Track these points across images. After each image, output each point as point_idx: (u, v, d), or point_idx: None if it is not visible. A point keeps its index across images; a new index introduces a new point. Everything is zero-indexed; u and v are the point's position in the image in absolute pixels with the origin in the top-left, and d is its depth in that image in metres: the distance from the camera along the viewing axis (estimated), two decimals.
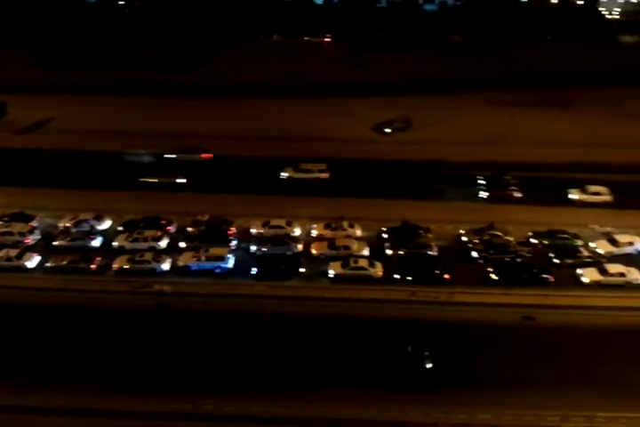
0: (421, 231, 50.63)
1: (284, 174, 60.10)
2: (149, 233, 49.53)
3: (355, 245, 48.92)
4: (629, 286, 45.11)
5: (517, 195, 56.15)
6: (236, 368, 38.37)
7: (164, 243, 49.44)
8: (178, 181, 58.38)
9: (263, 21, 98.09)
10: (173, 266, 47.13)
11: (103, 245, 49.80)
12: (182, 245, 49.59)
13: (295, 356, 39.22)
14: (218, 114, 71.85)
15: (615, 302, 43.58)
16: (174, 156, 62.49)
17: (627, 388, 36.51)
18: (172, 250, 48.79)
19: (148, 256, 46.96)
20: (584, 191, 56.25)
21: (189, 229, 51.28)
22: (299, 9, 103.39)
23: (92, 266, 46.82)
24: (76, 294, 44.19)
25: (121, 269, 46.70)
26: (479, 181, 58.19)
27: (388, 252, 48.88)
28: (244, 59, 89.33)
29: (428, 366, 38.07)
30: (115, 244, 49.44)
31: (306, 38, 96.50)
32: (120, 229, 51.49)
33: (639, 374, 37.54)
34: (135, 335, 40.65)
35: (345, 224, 51.20)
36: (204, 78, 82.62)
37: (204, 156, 62.72)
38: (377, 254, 48.44)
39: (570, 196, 56.18)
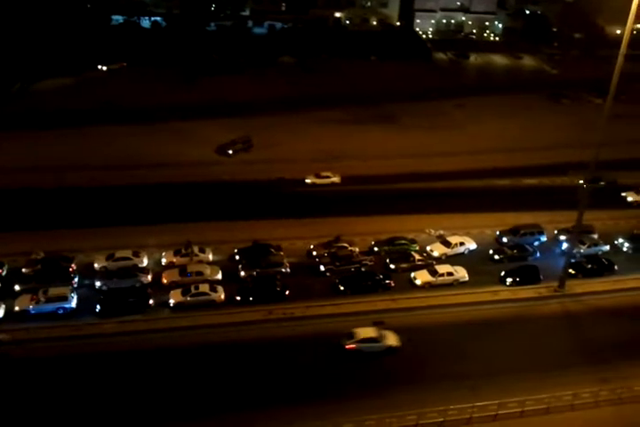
0: (273, 250, 51.18)
1: None
2: None
3: (207, 270, 48.29)
4: (457, 284, 49.01)
5: None
6: (92, 413, 36.31)
7: None
8: None
9: (89, 48, 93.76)
10: (9, 312, 43.47)
11: None
12: (17, 287, 45.92)
13: (158, 392, 37.94)
14: (52, 144, 67.45)
15: (446, 300, 47.16)
16: None
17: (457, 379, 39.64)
18: (5, 295, 45.03)
19: None
20: None
21: (24, 269, 47.62)
22: (125, 34, 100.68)
23: None
24: None
25: None
26: None
27: (242, 273, 48.85)
28: (75, 86, 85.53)
29: None
30: None
31: (99, 67, 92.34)
32: None
33: (469, 364, 41.04)
34: None
35: (195, 249, 50.38)
36: (28, 108, 77.45)
37: None
38: (231, 277, 48.19)
39: None
